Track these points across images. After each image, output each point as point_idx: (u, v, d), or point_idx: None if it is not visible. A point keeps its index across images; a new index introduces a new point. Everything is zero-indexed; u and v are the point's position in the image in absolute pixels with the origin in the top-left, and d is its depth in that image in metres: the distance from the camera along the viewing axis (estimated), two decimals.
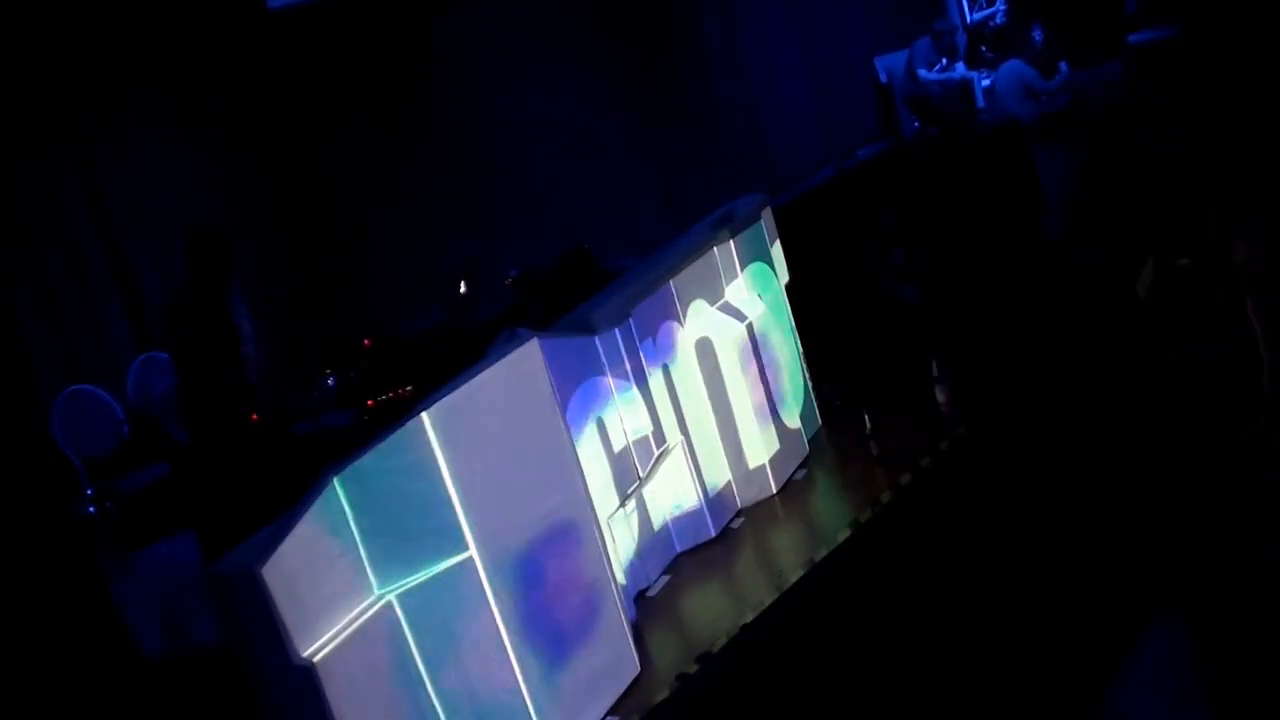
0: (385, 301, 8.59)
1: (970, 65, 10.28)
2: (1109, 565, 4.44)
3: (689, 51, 10.74)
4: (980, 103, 10.41)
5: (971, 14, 11.49)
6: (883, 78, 10.61)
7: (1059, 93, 9.10)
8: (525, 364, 3.98)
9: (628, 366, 4.70)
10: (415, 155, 9.08)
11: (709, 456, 5.05)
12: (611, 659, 3.98)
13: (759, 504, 5.18)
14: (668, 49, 10.60)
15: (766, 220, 5.77)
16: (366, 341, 6.69)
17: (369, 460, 3.44)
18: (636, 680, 4.03)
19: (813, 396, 5.78)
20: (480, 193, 9.24)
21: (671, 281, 5.07)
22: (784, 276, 5.78)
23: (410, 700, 3.42)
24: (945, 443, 5.13)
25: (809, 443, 5.57)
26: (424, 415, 3.50)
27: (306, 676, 3.15)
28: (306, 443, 5.87)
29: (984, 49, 10.28)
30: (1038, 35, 9.62)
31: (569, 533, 3.95)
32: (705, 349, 5.08)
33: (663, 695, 3.91)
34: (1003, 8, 10.54)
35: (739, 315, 5.26)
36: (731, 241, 5.37)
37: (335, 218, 8.69)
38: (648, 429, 4.77)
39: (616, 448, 4.57)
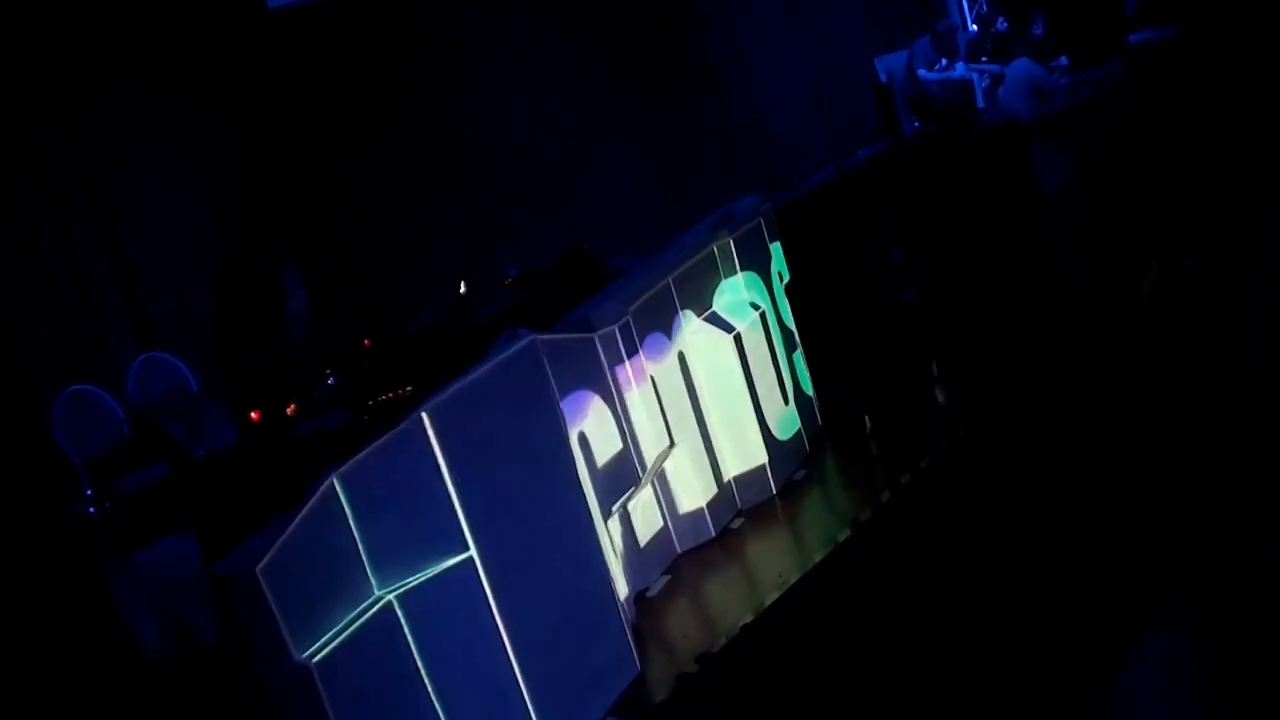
0: (385, 301, 8.58)
1: (970, 64, 10.28)
2: (1110, 565, 4.44)
3: (689, 52, 10.73)
4: (980, 103, 10.41)
5: (971, 15, 11.49)
6: (883, 78, 10.60)
7: (1061, 91, 9.09)
8: (525, 364, 3.98)
9: (627, 366, 4.70)
10: (415, 155, 9.08)
11: (709, 456, 5.05)
12: (611, 659, 3.98)
13: (759, 504, 5.18)
14: (668, 49, 10.59)
15: (766, 220, 5.77)
16: (366, 341, 6.69)
17: (369, 460, 3.44)
18: (636, 680, 4.03)
19: (813, 396, 5.78)
20: (480, 192, 9.24)
21: (671, 281, 5.07)
22: (784, 276, 5.78)
23: (410, 701, 3.42)
24: (945, 443, 5.13)
25: (809, 443, 5.57)
26: (424, 415, 3.49)
27: (306, 677, 3.15)
28: (306, 443, 5.87)
29: (985, 60, 10.28)
30: (1038, 29, 9.61)
31: (569, 533, 3.95)
32: (705, 348, 5.08)
33: (663, 695, 3.91)
34: (1003, 25, 10.52)
35: (738, 315, 5.26)
36: (731, 241, 5.37)
37: (335, 217, 8.69)
38: (647, 428, 4.77)
39: (616, 447, 4.57)
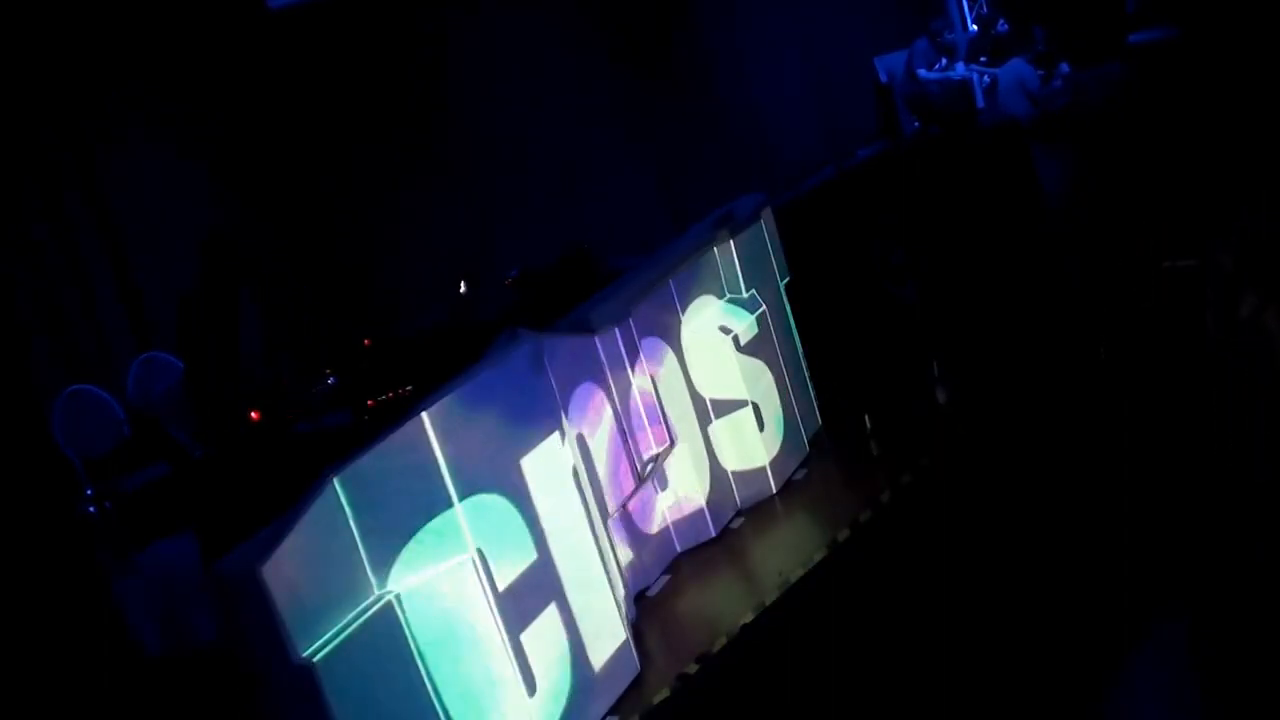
0: (385, 301, 8.59)
1: (970, 65, 10.29)
2: (1110, 565, 4.44)
3: (689, 52, 10.73)
4: (980, 103, 10.42)
5: (971, 17, 11.50)
6: (883, 78, 10.61)
7: (1058, 94, 9.09)
8: (525, 364, 3.98)
9: (628, 366, 4.71)
10: (415, 155, 9.08)
11: (708, 456, 5.05)
12: (611, 659, 3.98)
13: (759, 504, 5.18)
14: (668, 49, 10.60)
15: (766, 220, 5.77)
16: (366, 341, 6.69)
17: (369, 460, 3.44)
18: (636, 680, 4.03)
19: (813, 396, 5.78)
20: (480, 193, 9.24)
21: (671, 281, 5.07)
22: (784, 276, 5.79)
23: (410, 700, 3.42)
24: (945, 443, 5.13)
25: (809, 443, 5.57)
26: (424, 415, 3.50)
27: (306, 676, 3.15)
28: (306, 443, 5.87)
29: (984, 60, 10.29)
30: (1039, 35, 9.63)
31: (569, 532, 3.95)
32: (705, 349, 5.08)
33: (663, 695, 3.91)
34: (1004, 26, 10.53)
35: (738, 315, 5.26)
36: (731, 241, 5.37)
37: (335, 217, 8.69)
38: (647, 429, 4.77)
39: (617, 447, 4.57)
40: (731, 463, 5.13)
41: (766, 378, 5.28)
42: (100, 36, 7.53)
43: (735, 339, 5.13)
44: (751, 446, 5.17)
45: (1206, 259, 4.42)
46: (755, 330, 5.26)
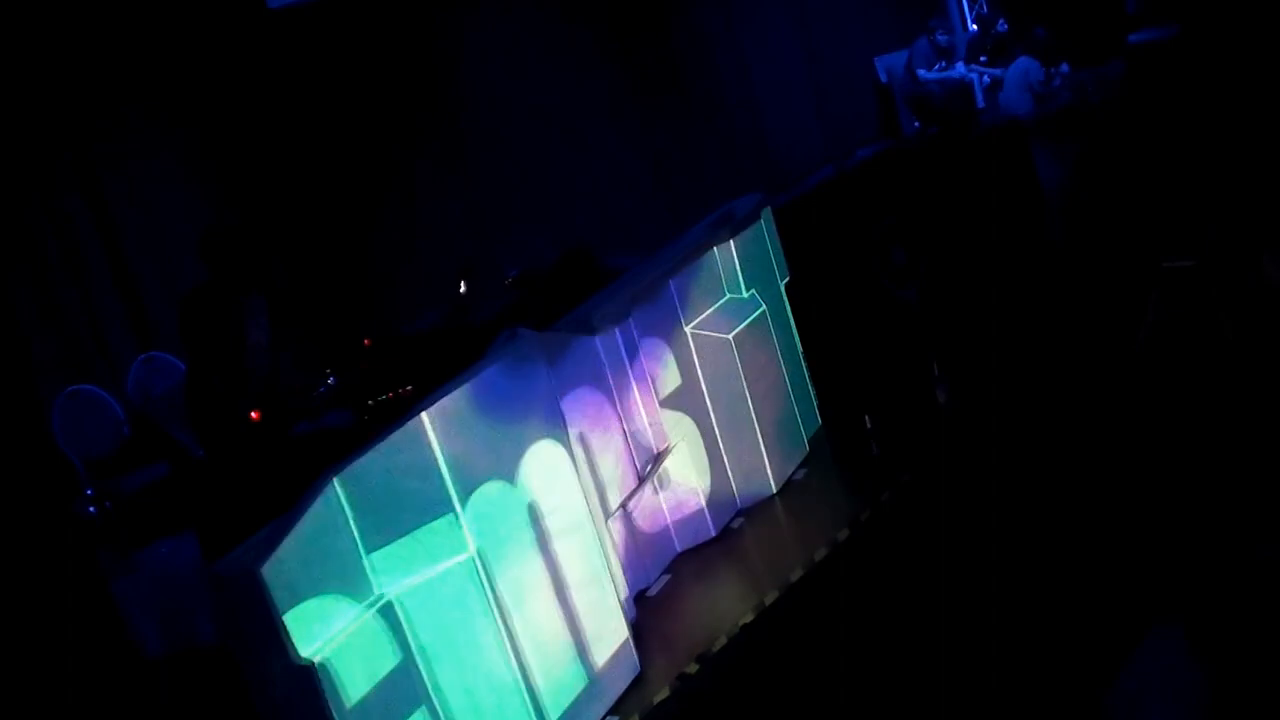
0: (385, 301, 8.59)
1: (970, 65, 10.30)
2: (1109, 567, 4.44)
3: (689, 51, 10.73)
4: (980, 103, 10.43)
5: (971, 16, 11.51)
6: (883, 78, 10.64)
7: (1061, 91, 9.11)
8: (525, 364, 3.98)
9: (628, 366, 4.71)
10: (415, 155, 9.09)
11: (709, 456, 5.05)
12: (611, 659, 3.98)
13: (759, 504, 5.18)
14: (668, 48, 10.60)
15: (766, 220, 5.77)
16: (366, 341, 6.68)
17: (369, 460, 3.44)
18: (636, 680, 4.03)
19: (812, 396, 5.78)
20: (480, 193, 9.24)
21: (671, 281, 5.07)
22: (784, 276, 5.79)
23: (410, 700, 3.42)
24: (945, 443, 5.13)
25: (809, 443, 5.57)
26: (424, 415, 3.50)
27: (306, 676, 3.15)
28: (306, 443, 5.86)
29: (984, 60, 10.30)
30: (1039, 34, 9.64)
31: (569, 532, 3.95)
32: (705, 349, 5.08)
33: (663, 695, 3.91)
34: (1004, 26, 10.56)
35: (738, 315, 5.26)
36: (731, 241, 5.37)
37: (335, 217, 8.69)
38: (648, 428, 4.77)
39: (617, 447, 4.57)
40: (731, 462, 5.13)
41: (766, 378, 5.27)
42: (100, 36, 7.53)
43: (735, 340, 5.11)
44: (751, 446, 5.17)
45: (1209, 247, 4.43)
46: (755, 330, 5.25)
